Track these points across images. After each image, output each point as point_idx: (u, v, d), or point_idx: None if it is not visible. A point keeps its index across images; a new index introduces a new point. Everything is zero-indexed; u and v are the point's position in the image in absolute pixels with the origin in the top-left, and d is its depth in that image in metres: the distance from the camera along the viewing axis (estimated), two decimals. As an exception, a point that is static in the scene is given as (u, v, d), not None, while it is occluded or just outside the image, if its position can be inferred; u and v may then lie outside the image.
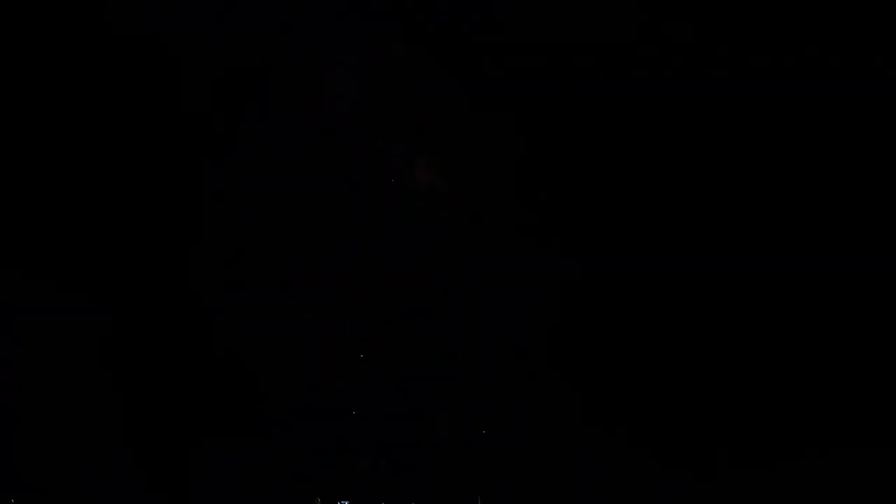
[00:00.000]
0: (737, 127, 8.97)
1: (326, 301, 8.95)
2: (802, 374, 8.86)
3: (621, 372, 9.08)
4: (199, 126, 8.83)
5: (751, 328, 8.95)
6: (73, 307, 8.40)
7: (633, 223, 9.15)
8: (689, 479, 8.87)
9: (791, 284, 8.83)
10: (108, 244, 8.65)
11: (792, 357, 8.89)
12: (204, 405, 8.65)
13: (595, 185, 9.18)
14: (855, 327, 8.76)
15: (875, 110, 8.67)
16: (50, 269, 8.41)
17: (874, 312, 8.72)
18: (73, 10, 8.50)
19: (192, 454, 8.56)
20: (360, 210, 9.08)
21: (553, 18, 8.79)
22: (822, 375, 8.80)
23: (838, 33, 8.60)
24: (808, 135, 8.87)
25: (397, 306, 9.05)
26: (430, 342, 9.10)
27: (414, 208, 9.17)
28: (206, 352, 8.71)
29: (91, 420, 8.39)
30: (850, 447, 8.58)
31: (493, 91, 8.98)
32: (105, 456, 8.35)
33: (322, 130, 9.02)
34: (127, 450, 8.41)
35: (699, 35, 8.78)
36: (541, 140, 9.15)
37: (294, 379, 8.85)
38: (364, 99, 9.05)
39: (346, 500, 8.76)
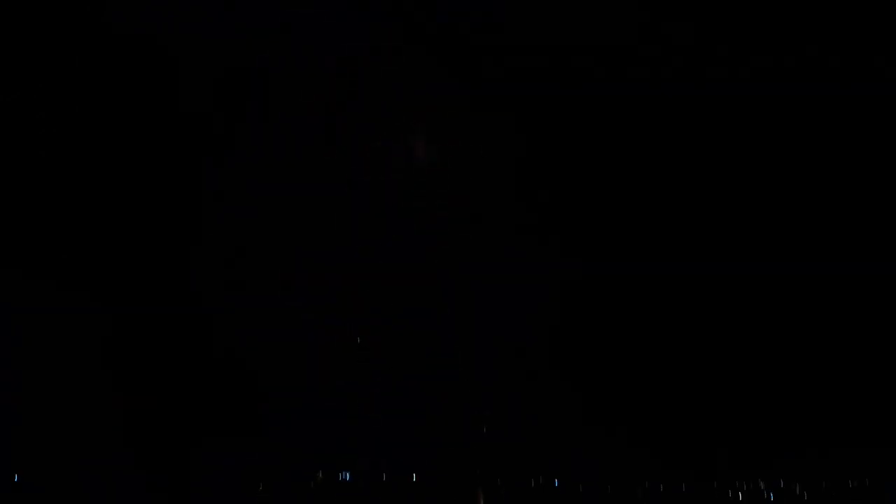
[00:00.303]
0: (737, 127, 8.97)
1: (326, 301, 8.95)
2: (802, 374, 8.87)
3: (621, 372, 9.09)
4: (199, 126, 8.83)
5: (751, 328, 8.96)
6: (73, 307, 8.40)
7: (633, 223, 9.15)
8: (689, 479, 8.88)
9: (791, 284, 8.83)
10: (108, 244, 8.65)
11: (792, 357, 8.90)
12: (204, 405, 8.66)
13: (595, 185, 9.18)
14: (855, 327, 8.76)
15: (875, 110, 8.68)
16: (50, 269, 8.41)
17: (874, 312, 8.72)
18: (73, 10, 8.50)
19: (192, 454, 8.56)
20: (360, 210, 9.08)
21: (553, 18, 8.79)
22: (822, 375, 8.81)
23: (838, 33, 8.60)
24: (808, 135, 8.87)
25: (397, 306, 9.05)
26: (430, 342, 9.10)
27: (414, 208, 9.17)
28: (206, 352, 8.71)
29: (91, 420, 8.39)
30: (850, 447, 8.58)
31: (493, 91, 8.98)
32: (105, 456, 8.35)
33: (322, 130, 9.02)
34: (127, 450, 8.41)
35: (699, 35, 8.78)
36: (541, 140, 9.15)
37: (294, 379, 8.85)
38: (364, 99, 9.05)
39: (346, 470, 8.80)
